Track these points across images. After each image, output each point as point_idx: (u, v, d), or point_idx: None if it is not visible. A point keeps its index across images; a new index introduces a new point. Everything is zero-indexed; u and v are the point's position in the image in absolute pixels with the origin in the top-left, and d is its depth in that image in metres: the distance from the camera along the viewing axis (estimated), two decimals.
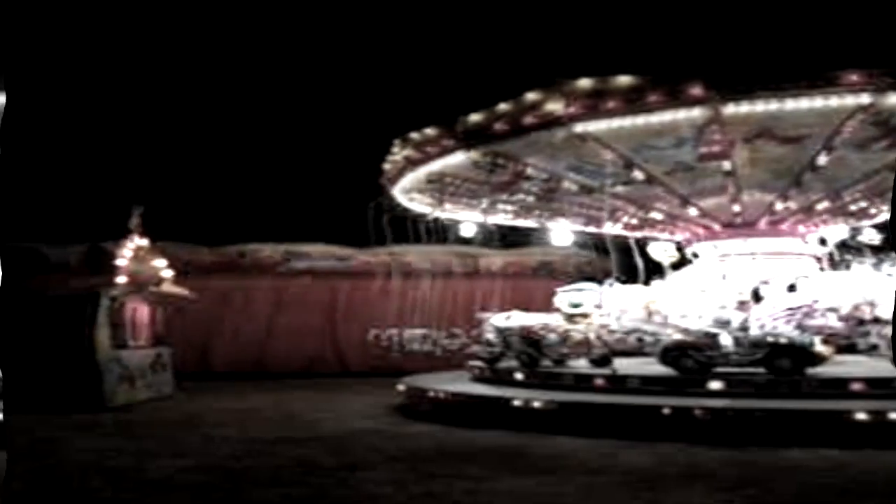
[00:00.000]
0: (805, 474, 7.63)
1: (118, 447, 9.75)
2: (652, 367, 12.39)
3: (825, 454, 8.50)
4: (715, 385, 11.21)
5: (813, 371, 11.26)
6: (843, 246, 15.76)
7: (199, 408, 14.42)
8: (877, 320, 12.60)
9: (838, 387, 10.68)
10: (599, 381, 12.11)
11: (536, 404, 11.17)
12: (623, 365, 13.09)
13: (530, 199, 16.18)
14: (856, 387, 10.57)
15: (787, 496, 6.90)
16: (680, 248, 16.65)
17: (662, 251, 16.12)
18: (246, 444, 10.01)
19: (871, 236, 15.55)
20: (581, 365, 13.92)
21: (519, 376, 13.46)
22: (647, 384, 11.63)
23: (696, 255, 16.17)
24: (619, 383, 11.88)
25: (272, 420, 12.75)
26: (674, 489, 7.10)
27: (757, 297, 12.90)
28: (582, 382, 12.41)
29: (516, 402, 11.41)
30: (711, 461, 8.29)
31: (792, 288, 13.20)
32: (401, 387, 14.34)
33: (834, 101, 10.98)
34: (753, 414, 9.98)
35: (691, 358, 11.67)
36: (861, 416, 9.27)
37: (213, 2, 27.27)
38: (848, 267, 13.84)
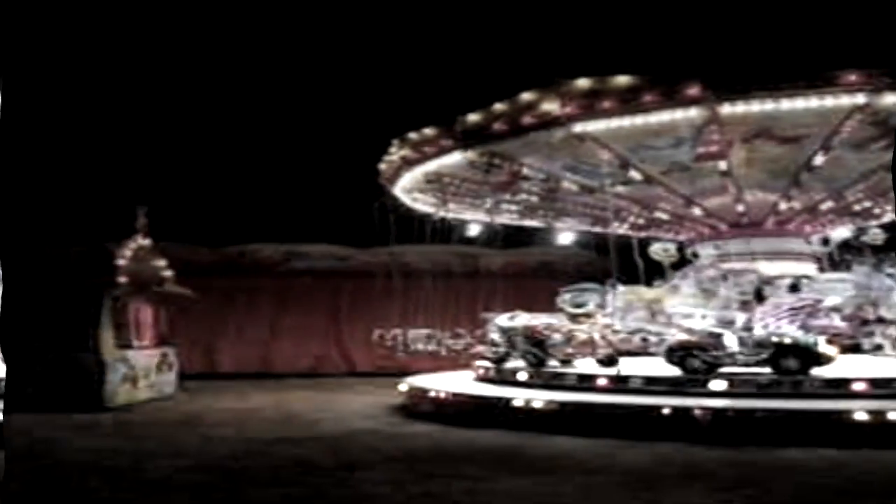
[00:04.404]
0: (803, 474, 7.60)
1: (117, 447, 9.73)
2: (657, 367, 12.31)
3: (823, 454, 8.46)
4: (718, 385, 11.15)
5: (816, 371, 11.18)
6: (845, 246, 15.69)
7: (199, 408, 14.40)
8: (880, 320, 12.56)
9: (841, 387, 10.60)
10: (603, 382, 12.06)
11: (537, 404, 11.12)
12: (628, 365, 13.01)
13: (533, 199, 16.15)
14: (858, 387, 10.49)
15: (786, 496, 6.86)
16: (681, 248, 16.57)
17: (662, 251, 16.07)
18: (244, 444, 9.99)
19: (875, 236, 15.46)
20: (587, 365, 13.84)
21: (523, 376, 13.40)
22: (650, 384, 11.57)
23: (695, 255, 16.11)
24: (622, 383, 11.82)
25: (272, 420, 12.73)
26: (672, 489, 7.06)
27: (760, 296, 12.85)
28: (585, 382, 12.35)
29: (516, 402, 11.37)
30: (709, 461, 8.25)
31: (794, 288, 13.16)
32: (403, 387, 14.29)
33: (831, 101, 10.93)
34: (753, 414, 9.91)
35: (697, 358, 11.61)
36: (860, 416, 9.21)
37: (215, 3, 27.29)
38: (850, 267, 13.77)
